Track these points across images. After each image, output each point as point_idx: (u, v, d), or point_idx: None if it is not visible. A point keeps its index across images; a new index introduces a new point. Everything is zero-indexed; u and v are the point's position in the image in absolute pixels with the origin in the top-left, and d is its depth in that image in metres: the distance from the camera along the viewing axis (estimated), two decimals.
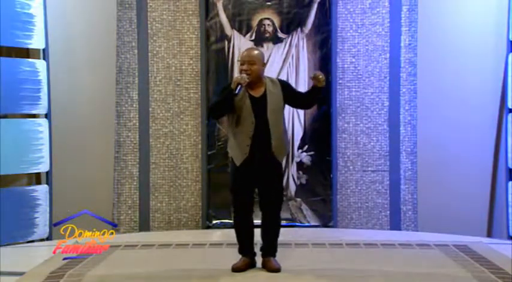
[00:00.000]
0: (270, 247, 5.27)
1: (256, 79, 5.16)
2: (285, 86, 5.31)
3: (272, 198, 5.23)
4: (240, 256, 5.28)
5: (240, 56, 5.34)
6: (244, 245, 5.27)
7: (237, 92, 5.00)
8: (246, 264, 5.23)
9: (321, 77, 5.06)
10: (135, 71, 7.30)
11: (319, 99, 5.49)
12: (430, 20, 7.14)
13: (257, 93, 5.16)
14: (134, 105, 7.32)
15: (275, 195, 5.25)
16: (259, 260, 5.30)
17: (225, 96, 5.10)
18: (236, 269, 5.18)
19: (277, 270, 5.16)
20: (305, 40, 7.32)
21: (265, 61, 5.30)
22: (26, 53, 6.79)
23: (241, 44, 7.26)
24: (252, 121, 5.10)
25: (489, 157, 7.08)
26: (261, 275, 5.11)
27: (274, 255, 5.28)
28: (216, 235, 7.04)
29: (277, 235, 5.30)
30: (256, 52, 5.26)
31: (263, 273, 5.16)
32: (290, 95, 5.26)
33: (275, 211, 5.27)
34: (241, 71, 5.16)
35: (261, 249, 5.30)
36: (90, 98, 7.16)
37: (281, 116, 5.23)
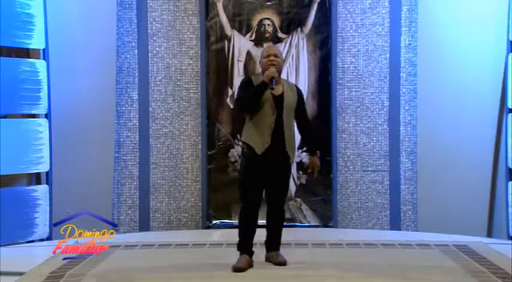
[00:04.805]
0: (276, 241, 5.39)
1: (279, 73, 5.27)
2: (300, 94, 5.40)
3: (280, 193, 5.35)
4: (239, 255, 5.28)
5: (264, 50, 5.41)
6: (246, 242, 5.28)
7: (272, 85, 5.08)
8: (247, 264, 5.23)
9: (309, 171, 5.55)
10: (135, 71, 7.30)
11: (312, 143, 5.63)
12: (430, 20, 7.14)
13: (276, 91, 5.20)
14: (134, 105, 7.32)
15: (283, 191, 5.38)
16: (258, 260, 5.30)
17: (257, 90, 5.14)
18: (236, 269, 5.16)
19: (284, 263, 5.26)
20: (305, 40, 7.32)
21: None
22: (26, 53, 6.78)
23: (241, 44, 7.27)
24: (273, 113, 5.15)
25: (489, 157, 7.08)
26: (261, 275, 5.10)
27: (279, 249, 5.39)
28: (216, 235, 7.04)
29: (282, 229, 5.43)
30: (278, 49, 5.52)
31: (263, 272, 5.14)
32: (298, 106, 5.33)
33: (282, 205, 5.40)
34: (266, 62, 5.21)
35: (266, 243, 5.38)
36: (90, 98, 7.15)
37: (293, 117, 5.30)
